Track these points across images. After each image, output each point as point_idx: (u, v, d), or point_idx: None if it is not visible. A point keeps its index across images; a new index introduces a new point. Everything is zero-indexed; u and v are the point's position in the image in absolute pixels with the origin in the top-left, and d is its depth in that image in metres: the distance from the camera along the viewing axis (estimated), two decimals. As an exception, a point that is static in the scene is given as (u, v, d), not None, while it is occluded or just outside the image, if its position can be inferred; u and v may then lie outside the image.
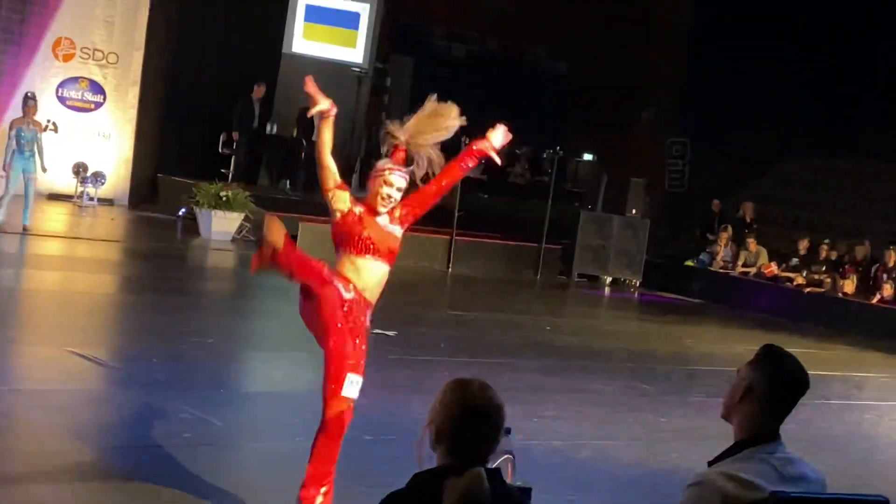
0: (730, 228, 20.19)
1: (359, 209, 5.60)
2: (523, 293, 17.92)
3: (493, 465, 3.37)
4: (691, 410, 9.80)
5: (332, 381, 5.62)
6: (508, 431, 3.62)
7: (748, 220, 20.78)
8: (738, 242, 20.00)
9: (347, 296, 5.55)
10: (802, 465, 3.62)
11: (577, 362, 11.67)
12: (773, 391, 3.57)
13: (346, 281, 5.59)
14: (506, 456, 3.55)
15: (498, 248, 19.92)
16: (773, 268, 19.20)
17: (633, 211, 20.36)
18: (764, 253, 19.52)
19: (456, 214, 18.98)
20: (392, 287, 17.10)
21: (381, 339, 11.31)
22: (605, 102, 22.99)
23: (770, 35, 21.90)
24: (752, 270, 19.37)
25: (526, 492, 3.49)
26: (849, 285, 17.91)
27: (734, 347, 13.57)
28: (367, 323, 5.68)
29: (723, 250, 19.96)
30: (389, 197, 5.58)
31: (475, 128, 21.31)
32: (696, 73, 22.56)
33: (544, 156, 21.51)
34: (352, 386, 5.61)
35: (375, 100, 23.64)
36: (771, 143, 22.08)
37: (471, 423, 2.97)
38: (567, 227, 20.04)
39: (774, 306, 17.93)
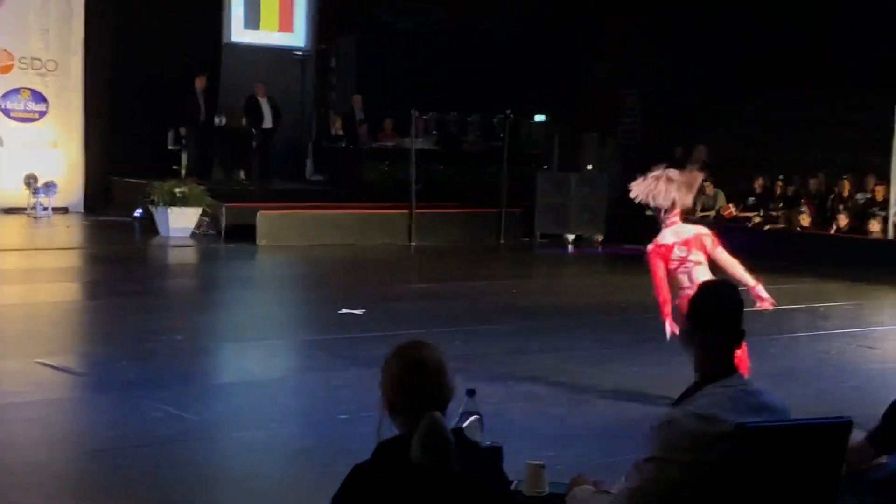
0: (686, 174, 20.28)
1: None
2: (488, 259, 17.95)
3: (462, 426, 3.41)
4: (663, 357, 9.84)
5: None
6: (473, 393, 3.64)
7: (703, 163, 20.87)
8: (696, 187, 20.08)
9: None
10: (765, 395, 3.69)
11: (547, 321, 11.72)
12: (709, 324, 3.65)
13: None
14: (474, 417, 3.57)
15: (459, 216, 19.92)
16: (732, 209, 19.33)
17: (589, 166, 20.40)
18: (721, 195, 19.63)
19: (413, 187, 18.97)
20: (356, 266, 16.96)
21: (350, 319, 11.32)
22: (551, 62, 22.99)
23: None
24: (711, 213, 19.47)
25: (496, 450, 3.51)
26: (805, 219, 18.08)
27: (700, 291, 13.63)
28: None
29: (681, 197, 20.04)
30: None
31: (424, 98, 20.98)
32: (642, 23, 22.63)
33: (495, 120, 21.49)
34: None
35: (322, 82, 23.53)
36: (719, 87, 22.21)
37: (411, 379, 3.02)
38: (526, 189, 20.06)
39: (736, 247, 17.68)
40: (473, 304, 12.79)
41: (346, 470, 6.11)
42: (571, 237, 19.99)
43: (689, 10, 22.14)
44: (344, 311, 11.64)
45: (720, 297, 3.74)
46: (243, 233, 17.54)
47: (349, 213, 18.87)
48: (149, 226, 18.04)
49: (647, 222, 20.01)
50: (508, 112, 20.51)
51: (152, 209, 17.78)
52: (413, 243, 18.75)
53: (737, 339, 3.67)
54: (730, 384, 3.60)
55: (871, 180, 18.05)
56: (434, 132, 22.19)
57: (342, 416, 7.53)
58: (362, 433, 6.85)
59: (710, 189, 19.69)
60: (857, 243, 17.21)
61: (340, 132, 22.10)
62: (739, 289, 3.89)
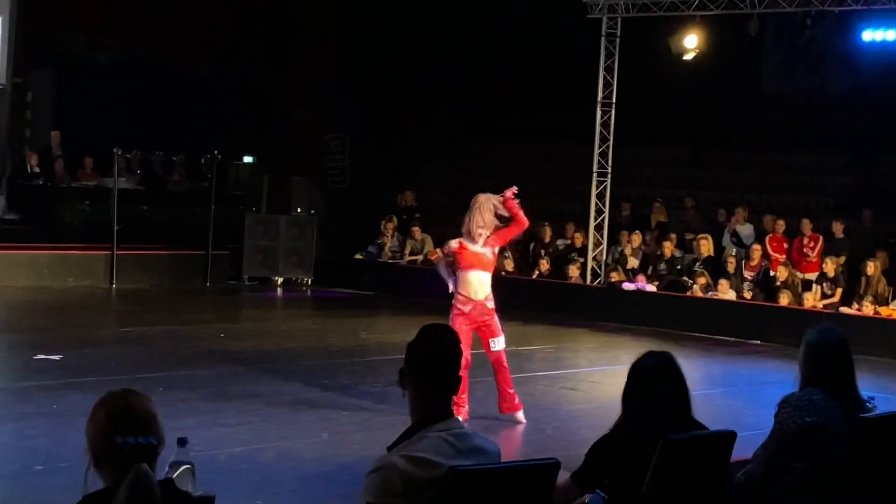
0: (395, 219, 20.54)
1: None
2: (194, 302, 17.55)
3: (173, 476, 3.24)
4: (371, 401, 9.88)
5: None
6: (184, 442, 3.48)
7: (410, 208, 21.21)
8: (404, 232, 20.37)
9: (466, 308, 9.62)
10: (477, 437, 3.71)
11: (254, 366, 11.53)
12: (426, 369, 3.64)
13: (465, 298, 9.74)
14: (185, 467, 3.40)
15: (163, 258, 19.41)
16: (439, 254, 19.68)
17: (298, 209, 20.35)
18: (429, 240, 19.97)
19: (115, 228, 18.36)
20: (53, 309, 16.26)
21: (46, 365, 10.77)
22: (259, 103, 22.85)
23: (416, 25, 22.52)
24: (420, 258, 19.78)
25: (208, 500, 3.36)
26: (509, 264, 18.63)
27: (408, 335, 13.62)
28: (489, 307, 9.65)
29: (389, 241, 20.28)
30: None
31: (127, 136, 20.32)
32: (348, 67, 22.85)
33: (202, 161, 21.10)
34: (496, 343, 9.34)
35: (17, 117, 22.44)
36: (425, 135, 22.69)
37: (119, 430, 2.86)
38: (233, 231, 19.78)
39: (443, 292, 18.36)
40: (178, 348, 12.44)
41: (41, 526, 5.77)
42: (280, 280, 19.85)
43: (397, 57, 22.54)
44: (39, 356, 11.10)
45: (438, 342, 3.73)
46: (-72, 273, 16.50)
47: (45, 254, 18.06)
48: None
49: (357, 267, 20.22)
50: (216, 152, 20.22)
51: None
52: (114, 286, 18.14)
53: (454, 385, 3.67)
54: (445, 428, 3.60)
55: (570, 227, 18.84)
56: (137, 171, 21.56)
57: (38, 468, 7.13)
58: (59, 485, 6.52)
59: (418, 234, 20.01)
60: (558, 287, 17.88)
61: (37, 169, 21.14)
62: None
